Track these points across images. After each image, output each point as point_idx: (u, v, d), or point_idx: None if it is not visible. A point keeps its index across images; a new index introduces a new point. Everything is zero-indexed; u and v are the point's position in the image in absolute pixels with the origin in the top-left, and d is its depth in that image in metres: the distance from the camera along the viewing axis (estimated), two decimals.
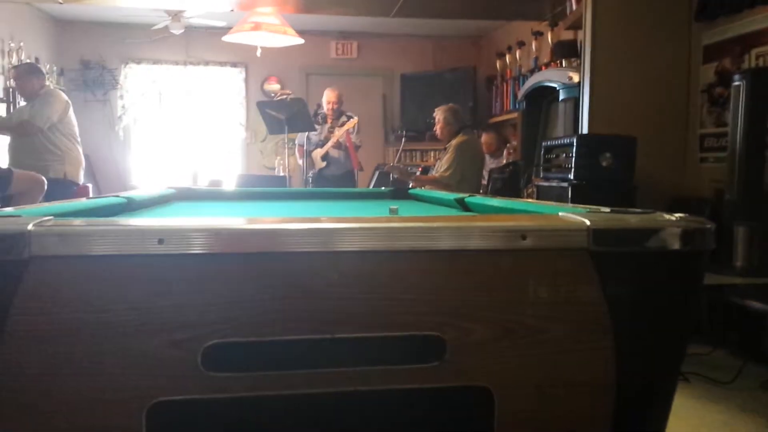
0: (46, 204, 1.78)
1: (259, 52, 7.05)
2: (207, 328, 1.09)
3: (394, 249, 1.14)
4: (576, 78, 4.58)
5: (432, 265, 1.15)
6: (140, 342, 1.08)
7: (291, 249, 1.11)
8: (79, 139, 5.41)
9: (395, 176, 5.81)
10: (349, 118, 6.29)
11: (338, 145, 6.24)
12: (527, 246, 1.17)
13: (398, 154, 7.23)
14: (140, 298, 1.08)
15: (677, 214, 1.26)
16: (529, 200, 2.89)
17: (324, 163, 6.31)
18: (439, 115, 5.32)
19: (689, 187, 4.33)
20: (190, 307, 1.09)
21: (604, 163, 3.79)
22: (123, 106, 8.50)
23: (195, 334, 1.08)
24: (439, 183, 5.00)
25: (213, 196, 3.48)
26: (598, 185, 3.77)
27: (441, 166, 5.22)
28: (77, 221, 1.19)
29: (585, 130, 4.32)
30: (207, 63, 8.62)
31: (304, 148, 6.26)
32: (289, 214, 2.31)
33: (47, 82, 5.54)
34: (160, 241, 1.07)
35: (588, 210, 1.42)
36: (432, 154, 8.35)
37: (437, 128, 5.36)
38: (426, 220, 1.26)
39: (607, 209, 1.40)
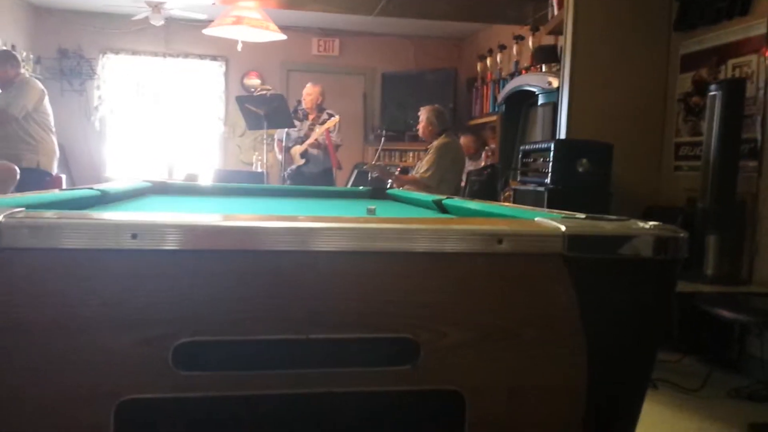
0: (18, 195, 1.75)
1: (239, 47, 7.01)
2: (178, 326, 1.07)
3: (370, 250, 1.14)
4: (555, 83, 4.61)
5: (408, 267, 1.15)
6: (110, 338, 1.06)
7: (267, 247, 1.11)
8: (53, 129, 5.34)
9: (375, 175, 5.81)
10: (330, 116, 6.28)
11: (317, 144, 6.23)
12: (503, 250, 1.17)
13: (378, 154, 7.23)
14: (112, 293, 1.06)
15: (651, 222, 1.27)
16: (506, 204, 2.90)
17: (303, 161, 6.29)
18: (423, 115, 5.34)
19: (663, 194, 4.37)
20: (162, 304, 1.07)
21: (580, 169, 3.81)
22: (100, 97, 8.40)
23: (166, 331, 1.07)
24: (419, 184, 5.00)
25: (189, 190, 3.45)
26: (574, 190, 3.80)
27: (422, 167, 5.23)
28: (49, 214, 1.17)
29: (563, 136, 4.34)
30: (187, 55, 8.55)
31: (283, 143, 6.24)
32: (266, 212, 2.29)
33: (23, 71, 5.45)
34: (134, 236, 1.06)
35: (564, 216, 1.43)
36: (411, 155, 8.36)
37: (420, 127, 5.38)
38: (403, 221, 1.25)
39: (582, 215, 1.40)
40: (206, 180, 7.07)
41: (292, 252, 1.11)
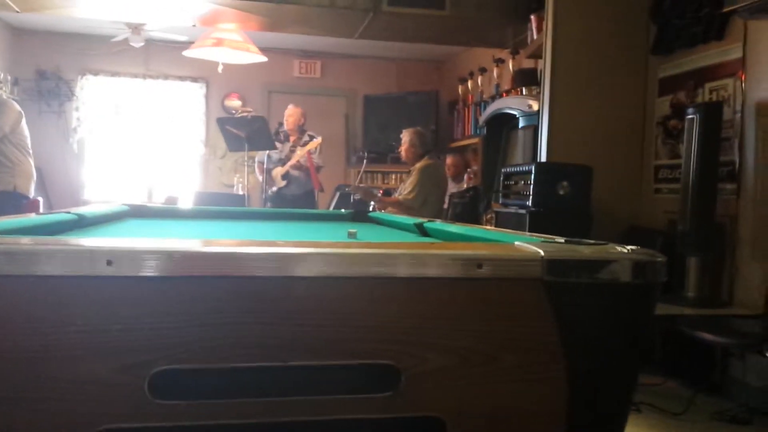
0: None
1: (220, 68, 7.01)
2: (155, 354, 1.06)
3: (350, 275, 1.13)
4: (535, 106, 4.64)
5: (389, 292, 1.15)
6: (86, 367, 1.05)
7: (246, 273, 1.10)
8: (30, 151, 5.28)
9: (358, 197, 5.81)
10: (312, 138, 6.28)
11: (299, 166, 6.22)
12: (483, 275, 1.17)
13: (360, 176, 7.23)
14: (87, 321, 1.05)
15: (629, 247, 1.28)
16: (487, 227, 2.91)
17: (284, 182, 6.28)
18: (405, 137, 5.36)
19: (643, 217, 4.41)
20: (138, 331, 1.06)
21: (561, 192, 3.83)
22: (78, 119, 8.33)
23: (143, 359, 1.05)
24: (402, 206, 5.02)
25: (168, 214, 3.43)
26: (555, 213, 3.81)
27: (405, 188, 5.24)
28: (24, 239, 1.16)
29: (543, 158, 4.37)
30: (167, 77, 8.53)
31: (264, 165, 6.22)
32: (246, 236, 2.28)
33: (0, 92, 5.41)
34: (110, 263, 1.05)
35: (543, 240, 1.43)
36: (394, 177, 8.38)
37: (402, 150, 5.40)
38: (383, 246, 1.25)
39: (562, 239, 1.41)
40: (186, 202, 7.02)
41: (271, 278, 1.10)
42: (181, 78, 8.55)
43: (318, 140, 6.24)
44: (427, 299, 1.16)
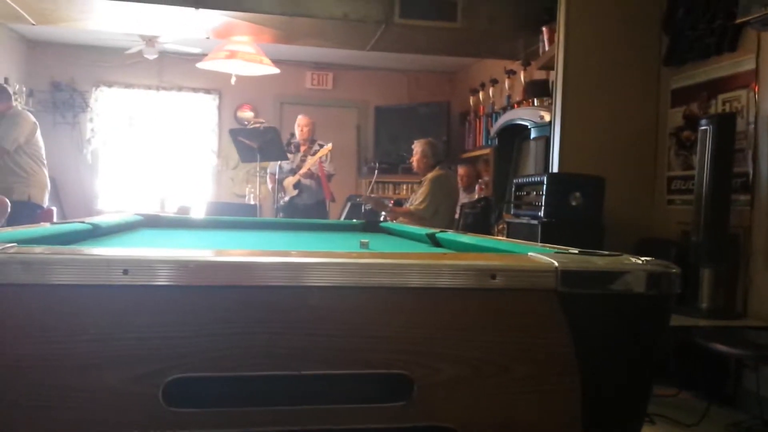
0: (9, 229, 1.74)
1: (233, 80, 7.05)
2: (170, 363, 1.06)
3: (363, 285, 1.13)
4: (547, 117, 4.64)
5: (401, 302, 1.15)
6: (101, 375, 1.05)
7: (260, 283, 1.10)
8: (45, 162, 5.33)
9: (369, 207, 5.82)
10: (322, 146, 6.31)
11: (310, 174, 6.24)
12: (496, 285, 1.17)
13: (371, 186, 7.24)
14: (102, 329, 1.06)
15: (644, 258, 1.27)
16: (500, 238, 2.90)
17: (296, 191, 6.30)
18: (417, 147, 5.37)
19: (656, 228, 4.38)
20: (153, 340, 1.06)
21: (573, 203, 3.82)
22: (92, 130, 8.40)
23: (157, 368, 1.06)
24: (414, 216, 5.02)
25: (181, 224, 3.44)
26: (568, 224, 3.80)
27: (416, 199, 5.25)
28: (40, 249, 1.17)
29: (555, 169, 4.36)
30: (180, 89, 8.59)
31: (276, 176, 6.25)
32: (258, 245, 2.29)
33: (15, 103, 5.47)
34: (125, 272, 1.06)
35: (557, 250, 1.43)
36: (405, 187, 8.38)
37: (414, 160, 5.41)
38: (396, 256, 1.25)
39: (576, 250, 1.41)
40: (199, 212, 7.05)
41: (284, 287, 1.11)
42: (195, 90, 8.61)
43: (328, 147, 6.26)
44: (439, 309, 1.16)
